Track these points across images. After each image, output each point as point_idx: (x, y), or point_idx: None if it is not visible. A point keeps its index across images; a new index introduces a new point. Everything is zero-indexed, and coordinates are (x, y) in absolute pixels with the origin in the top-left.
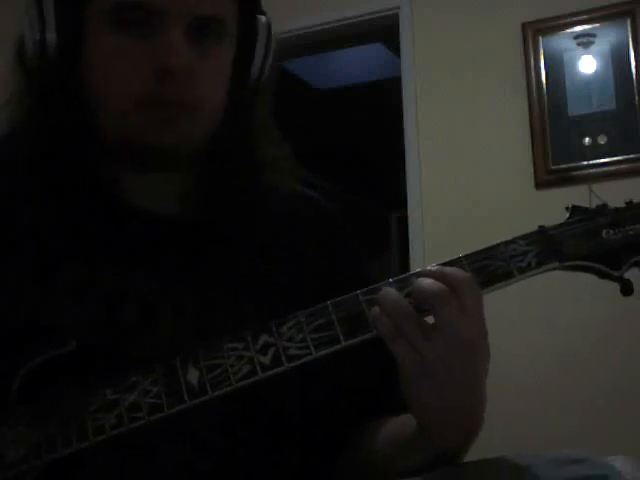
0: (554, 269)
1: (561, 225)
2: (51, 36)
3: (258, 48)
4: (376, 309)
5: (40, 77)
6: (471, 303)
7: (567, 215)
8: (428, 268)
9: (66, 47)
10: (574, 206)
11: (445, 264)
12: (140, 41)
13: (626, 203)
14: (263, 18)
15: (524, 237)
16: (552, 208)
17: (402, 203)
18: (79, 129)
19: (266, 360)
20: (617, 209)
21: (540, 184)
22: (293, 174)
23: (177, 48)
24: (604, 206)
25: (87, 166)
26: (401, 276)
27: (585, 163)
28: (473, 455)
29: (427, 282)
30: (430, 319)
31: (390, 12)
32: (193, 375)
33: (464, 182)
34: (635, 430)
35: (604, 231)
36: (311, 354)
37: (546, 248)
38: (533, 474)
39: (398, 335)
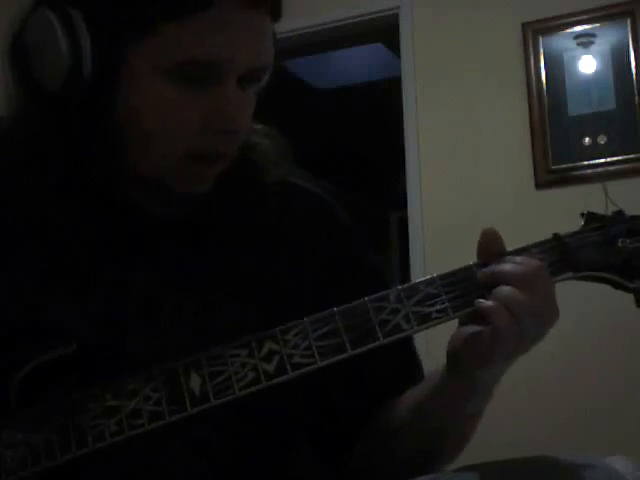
0: (568, 279)
1: (576, 233)
2: (86, 65)
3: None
4: (489, 303)
5: (64, 98)
6: (549, 279)
7: (582, 221)
8: (512, 257)
9: (101, 77)
10: (589, 213)
11: (457, 271)
12: (195, 93)
13: None
14: None
15: (538, 245)
16: (552, 208)
17: (402, 203)
18: (98, 154)
19: (270, 368)
20: (633, 217)
21: (540, 184)
22: (287, 166)
23: (236, 106)
24: (620, 213)
25: (93, 174)
26: (409, 284)
27: (585, 163)
28: (476, 455)
29: (508, 265)
30: None
31: (390, 12)
32: (195, 382)
33: (464, 182)
34: (635, 430)
35: (620, 240)
36: (316, 363)
37: (561, 258)
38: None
39: (516, 327)
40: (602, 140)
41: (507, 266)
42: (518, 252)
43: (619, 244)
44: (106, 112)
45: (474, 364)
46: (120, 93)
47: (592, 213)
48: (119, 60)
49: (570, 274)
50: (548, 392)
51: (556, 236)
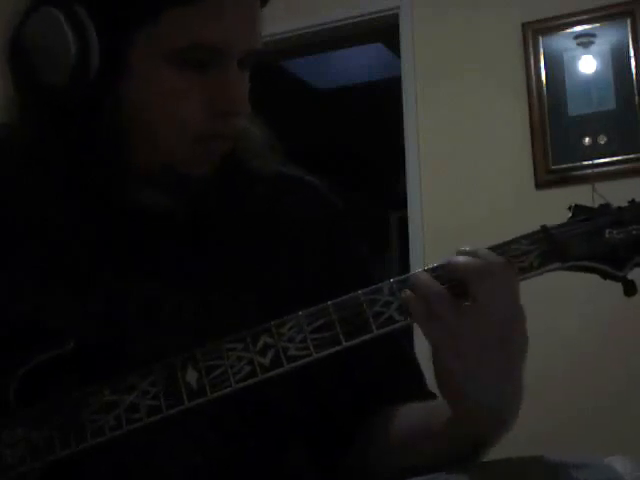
0: (556, 269)
1: (564, 225)
2: (94, 61)
3: None
4: (407, 292)
5: (70, 96)
6: (505, 282)
7: (569, 214)
8: (462, 249)
9: (106, 72)
10: (577, 205)
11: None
12: (199, 78)
13: (629, 202)
14: None
15: (526, 237)
16: (552, 208)
17: (402, 203)
18: (101, 152)
19: (266, 361)
20: (620, 208)
21: (540, 184)
22: (275, 154)
23: (239, 88)
24: (607, 205)
25: (94, 173)
26: (402, 277)
27: (585, 163)
28: None
29: (462, 258)
30: None
31: (390, 12)
32: (192, 376)
33: (464, 182)
34: (635, 430)
35: (607, 231)
36: (311, 355)
37: (548, 248)
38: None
39: (432, 317)
40: (602, 140)
41: (461, 258)
42: (507, 244)
43: (606, 235)
44: (110, 109)
45: (439, 376)
46: (124, 88)
47: (579, 205)
48: (123, 54)
49: (558, 264)
50: (550, 391)
51: (544, 227)
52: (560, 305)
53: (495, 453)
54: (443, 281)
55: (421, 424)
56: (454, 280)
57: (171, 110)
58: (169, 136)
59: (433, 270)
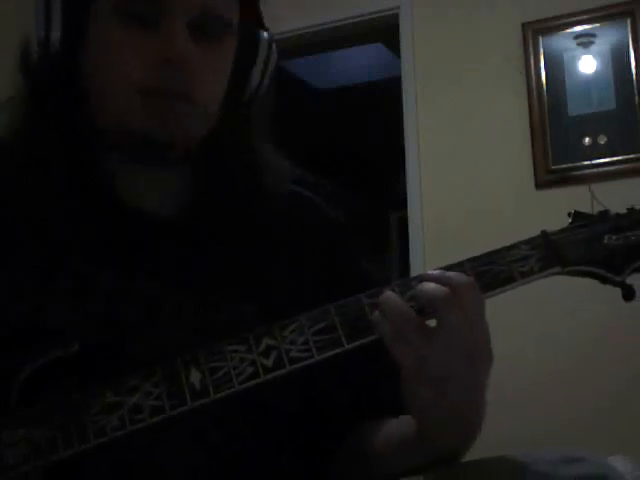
0: (556, 274)
1: (563, 230)
2: (56, 33)
3: (258, 62)
4: (377, 314)
5: (41, 74)
6: (473, 306)
7: (569, 220)
8: (430, 272)
9: (69, 43)
10: (576, 212)
11: (447, 268)
12: (143, 31)
13: (627, 209)
14: (265, 34)
15: (526, 242)
16: (552, 208)
17: (402, 203)
18: (79, 123)
19: (268, 363)
20: (618, 215)
21: (540, 184)
22: (289, 175)
23: (180, 39)
24: (606, 212)
25: (87, 164)
26: (404, 280)
27: (585, 163)
28: (472, 454)
29: (431, 286)
30: (431, 322)
31: (390, 12)
32: (195, 377)
33: (464, 182)
34: (635, 430)
35: (606, 237)
36: (313, 357)
37: (548, 253)
38: (532, 473)
39: (400, 340)
40: (602, 140)
41: (428, 286)
42: (506, 249)
43: (605, 240)
44: (76, 73)
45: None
46: (86, 53)
47: (579, 212)
48: (86, 19)
49: (558, 269)
50: (550, 392)
51: (543, 233)
52: (560, 307)
53: (497, 453)
54: (411, 302)
55: (393, 437)
56: (422, 307)
57: (114, 64)
58: (116, 92)
59: (402, 292)
